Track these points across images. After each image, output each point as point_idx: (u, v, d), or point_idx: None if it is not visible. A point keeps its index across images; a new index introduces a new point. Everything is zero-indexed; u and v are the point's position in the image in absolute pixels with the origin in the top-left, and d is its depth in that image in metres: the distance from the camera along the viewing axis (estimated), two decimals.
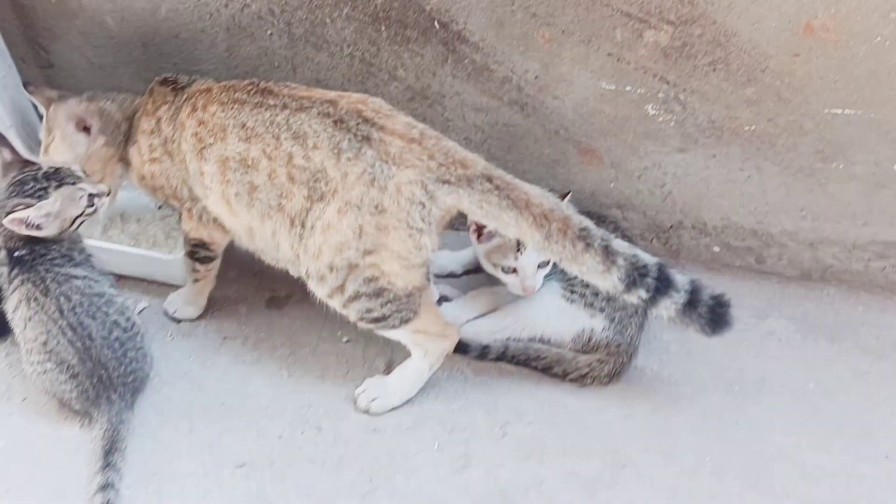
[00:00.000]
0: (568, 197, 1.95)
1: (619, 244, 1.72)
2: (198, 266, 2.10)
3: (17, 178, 1.92)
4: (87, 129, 2.04)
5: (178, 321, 2.20)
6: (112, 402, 1.86)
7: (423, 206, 1.69)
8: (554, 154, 2.16)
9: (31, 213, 1.84)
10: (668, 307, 1.74)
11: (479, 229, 2.00)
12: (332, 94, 1.78)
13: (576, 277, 2.01)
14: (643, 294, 1.72)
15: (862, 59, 1.82)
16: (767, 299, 2.25)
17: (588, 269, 1.70)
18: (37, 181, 1.90)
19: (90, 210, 1.94)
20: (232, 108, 1.81)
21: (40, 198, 1.87)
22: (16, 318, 1.90)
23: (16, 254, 1.90)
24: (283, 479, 1.83)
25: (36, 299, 1.86)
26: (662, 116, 2.00)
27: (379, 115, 1.74)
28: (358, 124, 1.72)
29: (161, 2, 2.18)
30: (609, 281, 1.71)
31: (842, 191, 2.07)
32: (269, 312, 2.24)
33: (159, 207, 2.52)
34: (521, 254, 1.96)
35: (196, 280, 2.13)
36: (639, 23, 1.85)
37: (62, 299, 1.86)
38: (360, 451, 1.89)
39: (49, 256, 1.90)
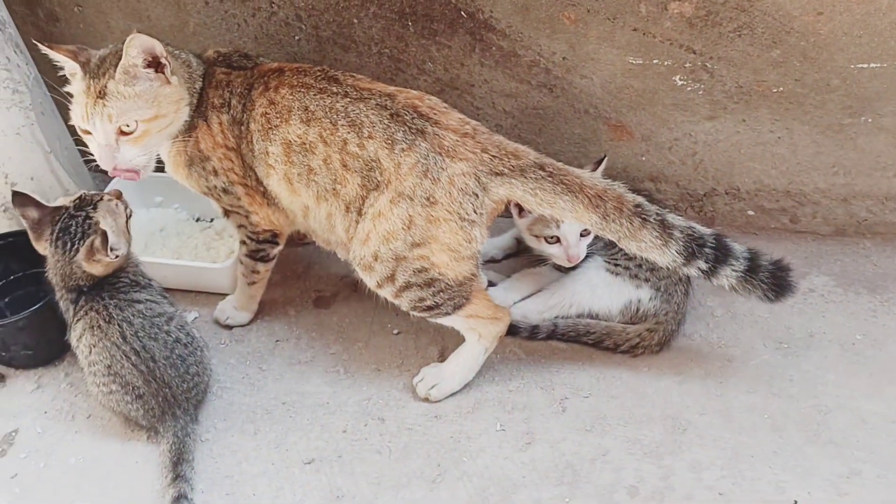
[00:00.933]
0: (604, 161, 1.99)
1: (673, 217, 1.74)
2: (259, 266, 2.12)
3: (59, 229, 1.91)
4: (158, 68, 1.81)
5: (230, 328, 2.25)
6: (177, 417, 1.91)
7: (476, 198, 1.72)
8: (585, 133, 2.20)
9: (110, 236, 1.85)
10: (728, 276, 1.76)
11: (520, 208, 2.03)
12: (391, 89, 1.81)
13: (618, 251, 2.09)
14: (702, 265, 1.74)
15: (885, 12, 1.85)
16: (805, 258, 2.29)
17: (647, 244, 1.72)
18: (74, 218, 1.90)
19: (129, 210, 1.98)
20: (300, 91, 1.82)
21: (90, 227, 1.89)
22: (80, 346, 1.94)
23: (85, 288, 1.93)
24: (352, 472, 1.87)
25: (99, 327, 1.89)
26: (690, 86, 2.03)
27: (434, 111, 1.78)
28: (413, 118, 1.75)
29: (188, 17, 2.22)
30: (668, 255, 1.73)
31: (871, 144, 2.10)
32: (317, 312, 2.28)
33: (197, 220, 2.58)
34: (563, 221, 1.99)
35: (252, 283, 2.16)
36: None
37: (125, 325, 1.89)
38: (424, 438, 1.93)
39: (117, 285, 1.93)
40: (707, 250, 1.75)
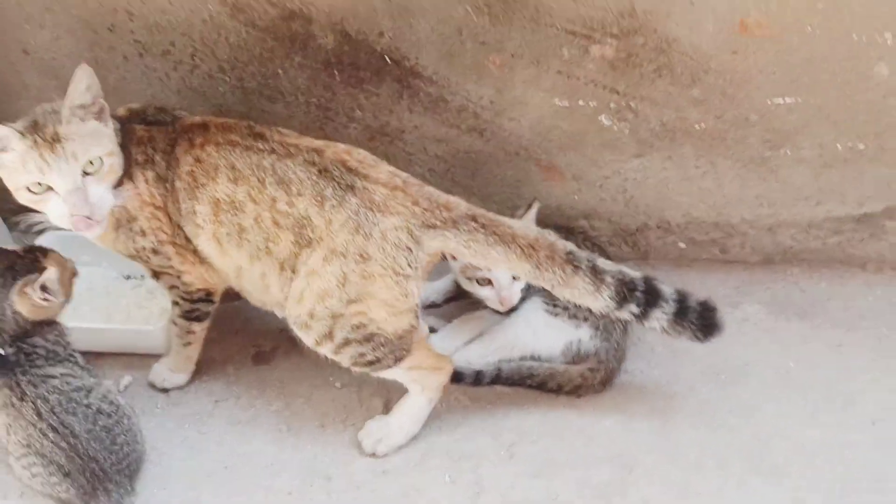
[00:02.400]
0: (534, 205, 2.01)
1: (603, 262, 1.76)
2: (194, 326, 2.06)
3: (5, 267, 1.87)
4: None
5: (167, 391, 2.17)
6: (110, 492, 1.82)
7: (410, 252, 1.71)
8: (517, 174, 2.22)
9: (50, 281, 1.82)
10: (659, 318, 1.79)
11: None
12: (318, 143, 1.80)
13: None
14: (634, 309, 1.77)
15: (796, 50, 1.92)
16: (736, 287, 2.34)
17: (579, 291, 1.74)
18: (22, 259, 1.88)
19: (74, 269, 1.96)
20: (226, 148, 1.79)
21: (34, 269, 1.85)
22: None
23: (1, 351, 1.85)
24: None
25: (13, 405, 1.81)
26: (617, 125, 2.07)
27: (363, 164, 1.76)
28: (342, 173, 1.73)
29: (107, 73, 2.16)
30: (600, 301, 1.75)
31: (792, 175, 2.16)
32: (257, 369, 2.23)
33: (128, 278, 2.50)
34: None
35: (188, 343, 2.10)
36: (584, 39, 1.92)
37: (39, 402, 1.80)
38: (373, 495, 1.89)
39: (31, 357, 1.86)
40: (638, 294, 1.77)
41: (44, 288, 1.84)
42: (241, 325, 2.35)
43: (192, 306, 2.04)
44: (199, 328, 2.09)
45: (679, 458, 1.90)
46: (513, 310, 2.13)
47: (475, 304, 2.19)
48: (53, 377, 1.85)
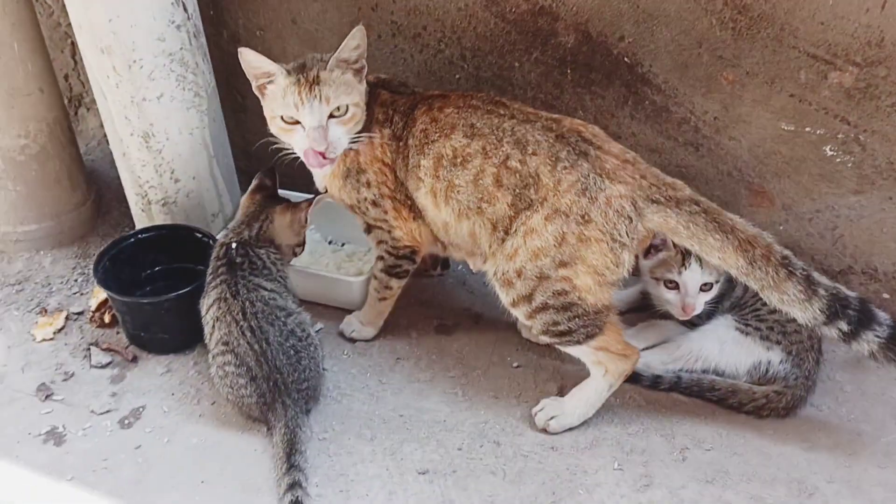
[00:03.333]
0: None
1: (819, 276, 1.75)
2: (392, 282, 2.19)
3: (273, 196, 2.27)
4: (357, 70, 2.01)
5: (354, 342, 2.32)
6: (287, 407, 1.96)
7: (630, 221, 1.77)
8: (725, 195, 2.23)
9: (316, 203, 2.23)
10: (870, 341, 1.75)
11: (649, 248, 2.07)
12: (556, 116, 1.91)
13: (749, 311, 2.09)
14: (844, 326, 1.74)
15: None
16: None
17: (789, 297, 1.73)
18: (284, 200, 2.28)
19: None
20: (466, 110, 1.92)
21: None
22: (207, 317, 2.06)
23: (234, 245, 2.12)
24: (465, 487, 1.88)
25: (226, 300, 2.03)
26: (840, 157, 2.07)
27: (597, 137, 1.86)
28: (577, 141, 1.82)
29: None
30: (809, 311, 1.73)
31: None
32: (438, 338, 2.33)
33: (330, 242, 2.69)
34: (686, 268, 2.02)
35: (383, 298, 2.23)
36: (824, 64, 1.95)
37: (247, 303, 2.01)
38: (539, 466, 1.93)
39: (253, 263, 2.09)
40: (850, 312, 1.75)
41: (305, 220, 2.22)
42: (429, 298, 2.47)
43: (397, 261, 2.17)
44: (397, 285, 2.22)
45: (863, 493, 1.83)
46: (694, 323, 2.16)
47: (660, 315, 2.21)
48: (264, 288, 2.06)
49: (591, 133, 1.86)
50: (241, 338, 1.98)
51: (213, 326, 2.04)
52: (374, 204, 2.10)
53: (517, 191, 1.84)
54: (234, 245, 2.12)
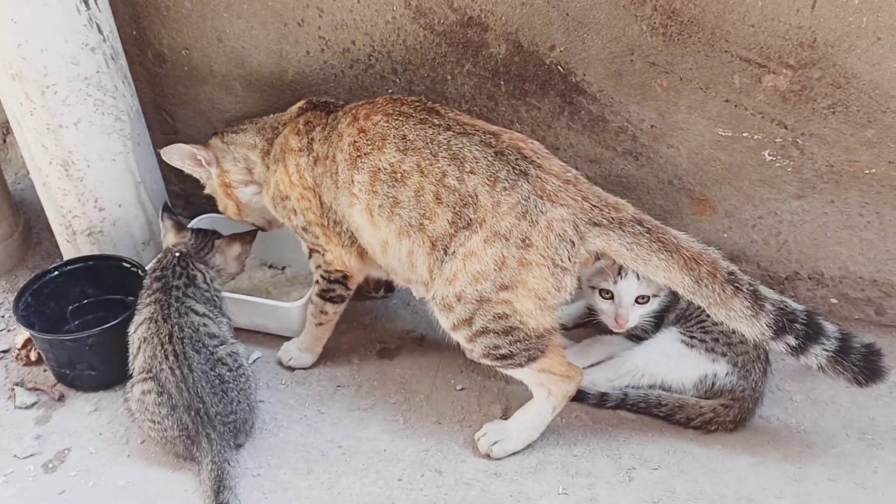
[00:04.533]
0: None
1: (766, 290, 1.71)
2: (328, 307, 2.12)
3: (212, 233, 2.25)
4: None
5: (293, 370, 2.23)
6: (212, 441, 1.87)
7: (573, 246, 1.70)
8: (667, 205, 2.19)
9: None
10: (818, 354, 1.71)
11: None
12: (494, 128, 1.83)
13: (694, 323, 2.04)
14: (792, 341, 1.70)
15: None
16: (891, 352, 2.16)
17: (737, 314, 1.69)
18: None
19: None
20: (397, 119, 1.84)
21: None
22: (134, 337, 1.99)
23: (177, 257, 2.10)
24: None
25: (156, 322, 1.96)
26: (779, 162, 2.02)
27: (537, 154, 1.78)
28: (517, 159, 1.74)
29: (288, 65, 2.32)
30: (757, 327, 1.69)
31: None
32: (380, 362, 2.25)
33: (269, 266, 2.61)
34: (622, 278, 1.96)
35: (320, 324, 2.15)
36: (758, 67, 1.91)
37: (175, 328, 1.94)
38: (482, 494, 1.86)
39: (189, 279, 2.04)
40: (798, 326, 1.70)
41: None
42: (370, 321, 2.39)
43: (330, 286, 2.10)
44: (332, 310, 2.14)
45: None
46: (639, 337, 2.11)
47: (606, 330, 2.15)
48: (196, 313, 1.98)
49: (532, 150, 1.78)
50: (164, 362, 1.90)
51: (139, 348, 1.96)
52: (305, 230, 2.06)
53: (456, 209, 1.75)
54: (177, 254, 2.08)
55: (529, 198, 1.70)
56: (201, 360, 1.91)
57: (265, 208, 2.18)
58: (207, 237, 2.20)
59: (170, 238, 2.19)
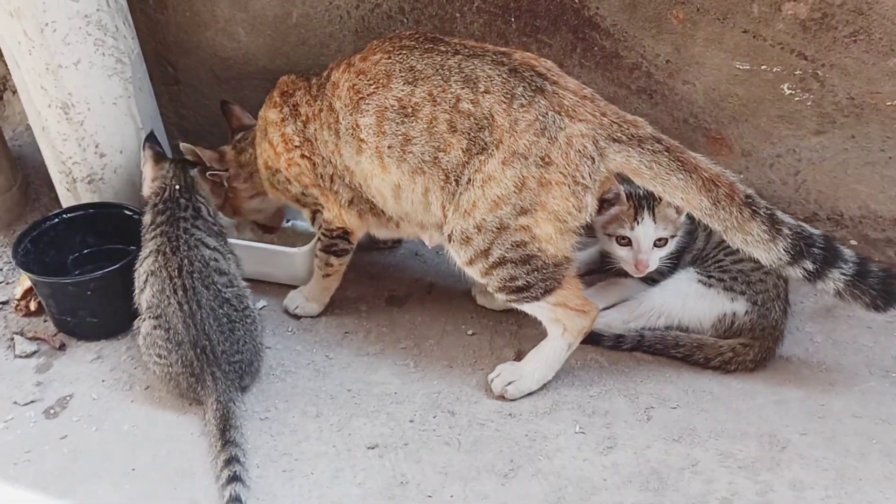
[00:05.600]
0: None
1: (783, 215, 1.66)
2: (332, 260, 2.07)
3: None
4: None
5: (299, 318, 2.18)
6: (217, 379, 1.83)
7: (593, 162, 1.65)
8: (682, 144, 2.12)
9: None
10: (836, 279, 1.67)
11: (602, 202, 1.92)
12: (504, 49, 1.77)
13: (711, 263, 1.99)
14: (809, 265, 1.66)
15: None
16: None
17: (753, 238, 1.64)
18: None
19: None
20: (399, 53, 1.78)
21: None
22: (140, 271, 1.94)
23: (177, 190, 2.03)
24: (418, 460, 1.76)
25: (164, 254, 1.91)
26: (799, 96, 1.97)
27: (551, 72, 1.73)
28: (532, 76, 1.69)
29: (293, 8, 2.26)
30: (774, 252, 1.65)
31: None
32: (389, 309, 2.21)
33: (287, 222, 2.55)
34: (639, 223, 1.91)
35: (326, 275, 2.11)
36: None
37: (185, 261, 1.89)
38: (496, 434, 1.81)
39: (196, 221, 1.97)
40: (815, 250, 1.66)
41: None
42: (379, 271, 2.35)
43: (331, 241, 2.07)
44: (337, 262, 2.10)
45: (838, 444, 1.73)
46: (654, 280, 2.06)
47: (620, 273, 2.10)
48: (206, 246, 1.93)
49: (545, 67, 1.73)
50: (173, 296, 1.86)
51: (146, 282, 1.91)
52: (303, 195, 2.05)
53: (471, 134, 1.69)
54: (177, 187, 2.01)
55: (547, 114, 1.65)
56: (210, 296, 1.86)
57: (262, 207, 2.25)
58: (185, 169, 2.11)
59: (148, 169, 2.12)
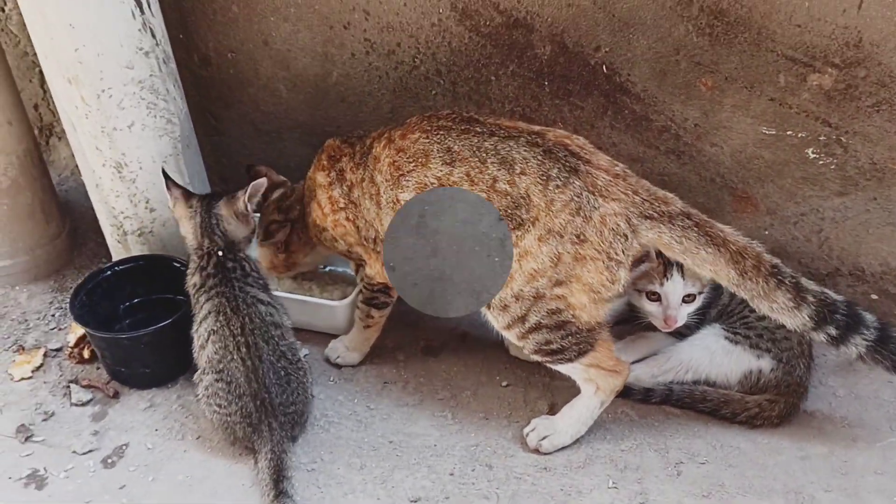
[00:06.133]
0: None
1: (807, 282, 1.73)
2: (373, 312, 2.17)
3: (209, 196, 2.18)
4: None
5: (340, 367, 2.27)
6: (273, 430, 1.92)
7: (626, 239, 1.73)
8: (708, 202, 2.21)
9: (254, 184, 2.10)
10: (857, 344, 1.74)
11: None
12: (537, 128, 1.85)
13: (736, 319, 2.07)
14: (832, 331, 1.73)
15: None
16: None
17: (779, 306, 1.72)
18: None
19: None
20: (437, 133, 1.86)
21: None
22: (201, 330, 2.02)
23: (221, 256, 2.07)
24: None
25: (225, 314, 1.98)
26: (823, 160, 2.05)
27: (584, 150, 1.80)
28: (566, 156, 1.77)
29: (333, 68, 2.36)
30: (798, 318, 1.72)
31: None
32: (425, 359, 2.29)
33: (324, 268, 2.65)
34: (668, 280, 1.99)
35: (367, 326, 2.20)
36: (803, 67, 1.93)
37: (247, 319, 1.98)
38: (533, 488, 1.89)
39: (248, 280, 2.05)
40: (838, 317, 1.74)
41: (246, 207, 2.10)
42: (414, 319, 2.43)
43: (373, 294, 2.16)
44: (378, 314, 2.20)
45: (859, 502, 1.80)
46: (682, 334, 2.13)
47: (648, 326, 2.18)
48: (262, 303, 2.02)
49: (578, 145, 1.81)
50: (236, 353, 1.95)
51: (207, 340, 1.99)
52: (349, 252, 2.16)
53: (508, 212, 1.78)
54: (220, 252, 2.07)
55: (582, 194, 1.74)
56: (269, 350, 1.96)
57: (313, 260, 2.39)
58: (211, 202, 2.13)
59: (179, 208, 2.13)
